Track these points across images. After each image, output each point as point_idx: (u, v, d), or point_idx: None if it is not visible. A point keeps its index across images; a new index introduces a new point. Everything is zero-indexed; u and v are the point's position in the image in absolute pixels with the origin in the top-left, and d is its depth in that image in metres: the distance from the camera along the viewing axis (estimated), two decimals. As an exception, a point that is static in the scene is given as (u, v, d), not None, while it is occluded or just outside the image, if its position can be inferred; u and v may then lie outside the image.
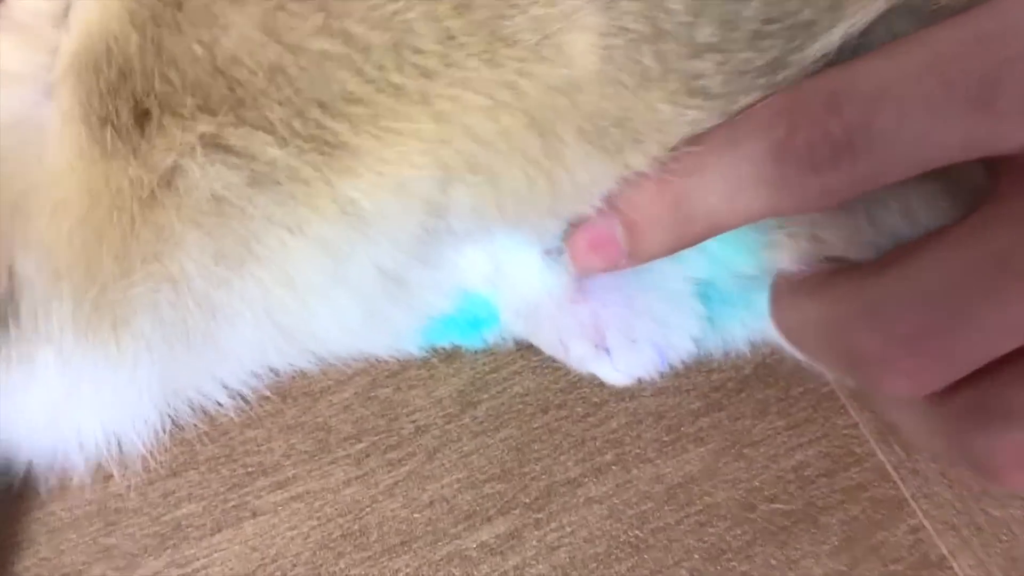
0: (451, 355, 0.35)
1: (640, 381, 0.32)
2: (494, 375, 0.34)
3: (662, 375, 0.33)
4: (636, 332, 0.32)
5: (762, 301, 0.32)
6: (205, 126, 0.26)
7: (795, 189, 0.25)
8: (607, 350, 0.32)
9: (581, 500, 0.32)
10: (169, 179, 0.26)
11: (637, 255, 0.28)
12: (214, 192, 0.26)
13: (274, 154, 0.26)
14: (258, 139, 0.26)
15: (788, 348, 0.34)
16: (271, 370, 0.32)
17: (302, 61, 0.26)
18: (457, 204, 0.28)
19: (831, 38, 0.26)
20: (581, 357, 0.32)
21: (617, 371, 0.32)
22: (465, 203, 0.28)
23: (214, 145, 0.26)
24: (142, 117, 0.26)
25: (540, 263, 0.31)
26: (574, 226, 0.29)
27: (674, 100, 0.26)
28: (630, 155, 0.27)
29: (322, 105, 0.26)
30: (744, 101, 0.26)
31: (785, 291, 0.28)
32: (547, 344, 0.33)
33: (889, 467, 0.33)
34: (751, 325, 0.34)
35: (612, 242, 0.28)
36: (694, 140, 0.26)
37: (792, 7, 0.26)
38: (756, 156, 0.25)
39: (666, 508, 0.32)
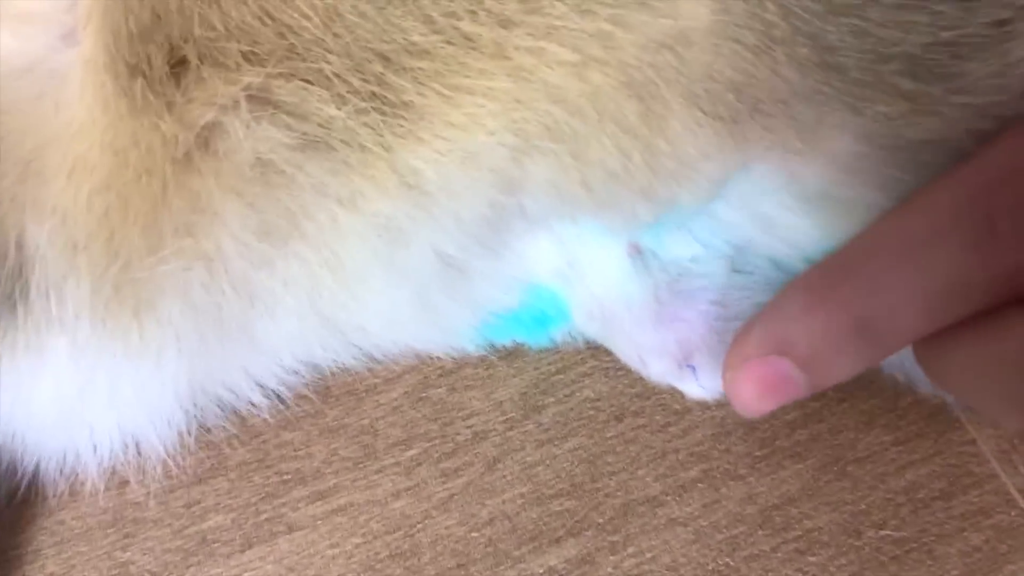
0: (512, 353, 0.31)
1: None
2: (561, 376, 0.31)
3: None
4: (727, 339, 0.29)
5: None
6: (252, 77, 0.23)
7: (1013, 283, 0.21)
8: (692, 368, 0.29)
9: (663, 521, 0.29)
10: (207, 139, 0.23)
11: (817, 387, 0.23)
12: (259, 155, 0.23)
13: (331, 113, 0.23)
14: (313, 95, 0.23)
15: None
16: (312, 366, 0.29)
17: (362, 5, 0.23)
18: (533, 179, 0.25)
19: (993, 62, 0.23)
20: (662, 373, 0.29)
21: (702, 388, 0.29)
22: (543, 177, 0.25)
23: (261, 100, 0.23)
24: (178, 66, 0.23)
25: (621, 263, 0.28)
26: (728, 363, 0.24)
27: (804, 70, 0.23)
28: (749, 127, 0.23)
29: (384, 58, 0.23)
30: (879, 108, 0.23)
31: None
32: (623, 354, 0.30)
33: (1014, 490, 0.30)
34: None
35: (786, 381, 0.23)
36: (853, 243, 0.23)
37: None
38: (958, 259, 0.21)
39: (760, 533, 0.29)
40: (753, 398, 0.23)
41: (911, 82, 0.23)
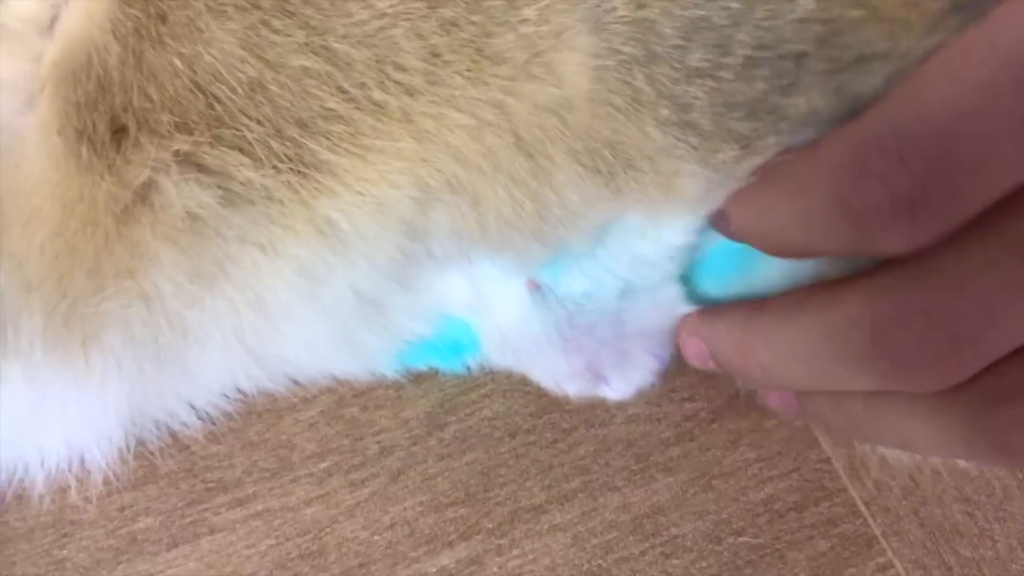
0: (421, 375, 0.38)
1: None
2: (464, 397, 0.38)
3: (636, 401, 0.37)
4: (629, 351, 0.36)
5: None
6: (180, 144, 0.29)
7: (870, 245, 0.26)
8: (605, 378, 0.36)
9: (545, 527, 0.36)
10: (144, 195, 0.29)
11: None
12: (189, 210, 0.29)
13: (249, 175, 0.29)
14: (233, 159, 0.29)
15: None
16: (238, 390, 0.35)
17: (282, 78, 0.29)
18: (437, 226, 0.31)
19: (820, 98, 0.29)
20: (579, 390, 0.36)
21: (616, 391, 0.36)
22: (445, 224, 0.31)
23: (189, 163, 0.29)
24: (119, 133, 0.29)
25: (523, 300, 0.34)
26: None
27: (665, 129, 0.29)
28: (623, 180, 0.30)
29: (301, 124, 0.29)
30: (725, 154, 0.29)
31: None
32: (538, 379, 0.37)
33: (860, 503, 0.37)
34: None
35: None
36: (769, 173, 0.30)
37: (786, 33, 0.29)
38: (826, 210, 0.27)
39: (631, 538, 0.36)
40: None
41: (748, 123, 0.29)
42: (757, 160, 0.30)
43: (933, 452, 0.35)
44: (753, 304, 0.32)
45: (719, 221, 0.32)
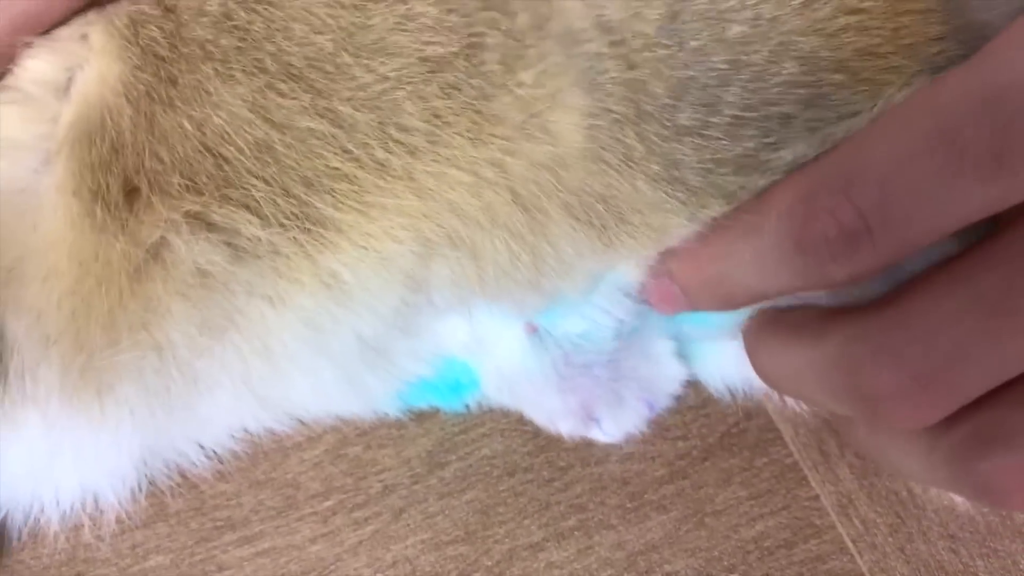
0: (423, 414, 0.40)
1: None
2: (463, 436, 0.39)
3: (629, 440, 0.38)
4: (623, 394, 0.37)
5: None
6: (190, 205, 0.30)
7: (820, 276, 0.29)
8: (596, 420, 0.37)
9: (542, 565, 0.37)
10: (156, 253, 0.31)
11: (695, 307, 0.34)
12: (199, 266, 0.31)
13: (256, 232, 0.31)
14: (241, 217, 0.31)
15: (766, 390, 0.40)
16: (246, 431, 0.37)
17: (289, 139, 0.31)
18: (438, 278, 0.33)
19: (805, 148, 0.31)
20: (571, 429, 0.38)
21: (607, 434, 0.38)
22: (446, 276, 0.32)
23: (199, 222, 0.31)
24: (132, 193, 0.31)
25: (521, 341, 0.36)
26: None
27: (655, 184, 0.31)
28: (615, 233, 0.32)
29: (306, 182, 0.31)
30: (713, 210, 0.31)
31: (765, 337, 0.33)
32: (534, 417, 0.39)
33: (848, 540, 0.38)
34: (728, 372, 0.39)
35: (675, 296, 0.33)
36: (721, 221, 0.31)
37: (771, 96, 0.31)
38: (779, 246, 0.29)
39: (625, 575, 0.37)
40: (656, 302, 0.34)
41: (735, 178, 0.31)
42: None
43: (929, 484, 0.38)
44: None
45: (660, 290, 0.34)
